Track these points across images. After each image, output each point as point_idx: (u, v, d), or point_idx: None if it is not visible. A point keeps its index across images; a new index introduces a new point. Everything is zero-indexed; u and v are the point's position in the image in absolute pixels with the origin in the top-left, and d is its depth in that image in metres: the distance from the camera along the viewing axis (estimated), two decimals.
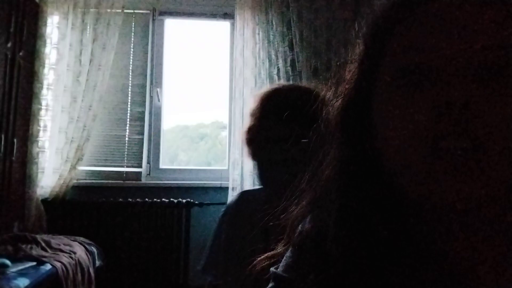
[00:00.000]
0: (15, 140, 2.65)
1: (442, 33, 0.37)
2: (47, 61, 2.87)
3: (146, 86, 3.11)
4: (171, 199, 2.84)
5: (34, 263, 2.05)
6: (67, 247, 2.32)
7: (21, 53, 2.70)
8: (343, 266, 0.41)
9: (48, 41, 2.88)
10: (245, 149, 1.00)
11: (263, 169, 0.96)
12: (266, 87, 0.99)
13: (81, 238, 2.53)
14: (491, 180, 0.36)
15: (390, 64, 0.40)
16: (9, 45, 2.58)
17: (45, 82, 2.86)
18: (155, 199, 2.85)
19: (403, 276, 0.40)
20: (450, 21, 0.37)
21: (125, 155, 3.05)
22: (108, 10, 2.93)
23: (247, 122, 0.99)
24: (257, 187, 1.11)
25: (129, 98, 3.10)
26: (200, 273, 1.08)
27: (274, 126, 0.91)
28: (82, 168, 2.94)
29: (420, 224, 0.42)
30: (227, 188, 2.81)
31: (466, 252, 0.40)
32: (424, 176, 0.37)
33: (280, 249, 0.54)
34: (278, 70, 2.98)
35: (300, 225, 0.51)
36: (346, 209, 0.43)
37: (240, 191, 1.12)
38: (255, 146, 0.97)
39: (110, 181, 2.98)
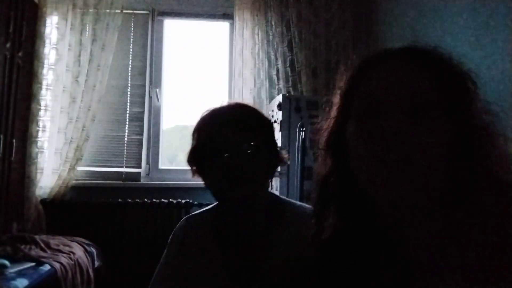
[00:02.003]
0: (14, 140, 2.65)
1: (384, 87, 0.57)
2: (46, 62, 2.87)
3: (145, 86, 3.11)
4: (170, 200, 2.84)
5: (33, 264, 2.04)
6: (66, 248, 2.32)
7: (20, 54, 2.70)
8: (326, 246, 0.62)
9: (47, 41, 2.88)
10: (191, 170, 1.02)
11: (211, 181, 0.97)
12: (206, 109, 1.02)
13: (80, 239, 2.53)
14: (417, 182, 0.52)
15: (355, 107, 0.60)
16: (8, 45, 2.57)
17: (44, 83, 2.86)
18: (154, 200, 2.85)
19: (364, 259, 0.58)
20: (389, 79, 0.57)
21: (124, 156, 3.05)
22: (107, 11, 2.93)
23: (189, 145, 1.01)
24: (201, 210, 1.11)
25: (128, 98, 3.10)
26: None
27: (213, 140, 0.93)
28: (81, 168, 2.94)
29: (378, 217, 0.59)
30: None
31: (409, 239, 0.56)
32: (373, 181, 0.55)
33: None
34: (278, 70, 2.98)
35: None
36: (325, 205, 0.65)
37: (185, 217, 1.12)
38: (200, 162, 0.98)
39: (109, 182, 2.98)
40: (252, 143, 0.92)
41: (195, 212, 1.12)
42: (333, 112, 0.66)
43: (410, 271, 0.54)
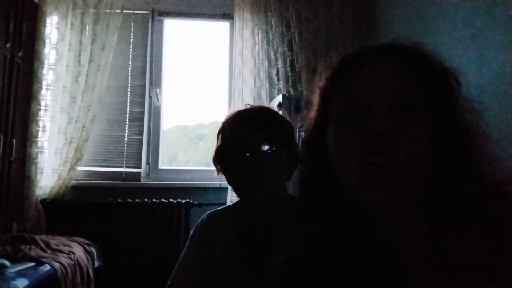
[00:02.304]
0: (14, 140, 2.65)
1: (365, 86, 0.55)
2: (46, 62, 2.87)
3: (145, 86, 3.11)
4: (170, 200, 2.84)
5: (33, 264, 2.04)
6: (66, 248, 2.32)
7: (20, 54, 2.70)
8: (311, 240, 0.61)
9: (47, 41, 2.88)
10: (216, 169, 1.09)
11: (235, 179, 1.02)
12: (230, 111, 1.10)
13: (80, 239, 2.53)
14: (401, 184, 0.51)
15: (335, 108, 0.58)
16: (8, 45, 2.58)
17: (44, 83, 2.86)
18: (154, 200, 2.85)
19: (349, 259, 0.56)
20: (369, 78, 0.55)
21: (124, 156, 3.05)
22: (107, 11, 2.93)
23: (214, 145, 1.09)
24: (223, 207, 1.17)
25: (128, 98, 3.10)
26: None
27: (237, 140, 1.00)
28: (81, 168, 2.94)
29: (363, 221, 0.58)
30: (226, 188, 2.81)
31: (395, 242, 0.55)
32: (356, 183, 0.53)
33: None
34: (277, 70, 2.98)
35: None
36: (307, 206, 0.63)
37: (207, 212, 1.17)
38: (224, 161, 1.05)
39: (109, 182, 2.98)
40: (272, 144, 0.99)
41: (217, 209, 1.17)
42: (313, 112, 0.64)
43: (399, 275, 0.53)
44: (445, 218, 0.51)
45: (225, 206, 1.16)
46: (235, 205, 1.13)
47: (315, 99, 0.65)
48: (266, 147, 0.98)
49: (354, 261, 0.56)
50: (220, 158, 1.06)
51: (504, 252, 0.47)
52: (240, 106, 1.09)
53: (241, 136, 0.99)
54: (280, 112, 1.13)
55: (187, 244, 1.13)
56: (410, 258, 0.54)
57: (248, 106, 1.08)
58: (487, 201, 0.50)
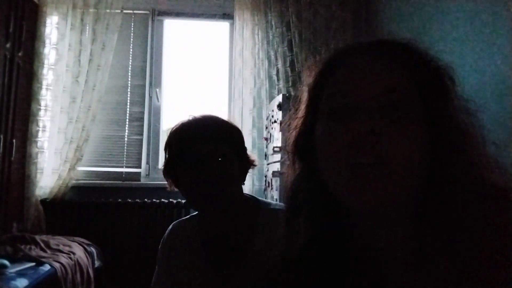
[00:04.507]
0: (14, 140, 2.65)
1: (355, 83, 0.53)
2: (46, 62, 2.87)
3: (145, 86, 3.12)
4: (170, 200, 2.84)
5: (33, 264, 2.05)
6: (66, 248, 2.32)
7: (20, 54, 2.70)
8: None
9: (47, 41, 2.88)
10: (168, 182, 1.07)
11: (189, 193, 1.01)
12: (176, 122, 1.08)
13: (80, 239, 2.53)
14: (393, 187, 0.48)
15: (324, 106, 0.55)
16: (8, 45, 2.58)
17: (44, 83, 2.86)
18: (154, 200, 2.85)
19: (338, 264, 0.54)
20: (360, 74, 0.53)
21: (124, 156, 3.05)
22: (107, 11, 2.93)
23: (164, 159, 1.07)
24: (187, 216, 1.17)
25: (128, 98, 3.10)
26: None
27: (185, 153, 0.99)
28: (81, 168, 2.94)
29: (351, 224, 0.56)
30: None
31: (384, 247, 0.52)
32: (345, 186, 0.50)
33: None
34: (277, 70, 2.98)
35: None
36: (295, 210, 0.60)
37: (173, 223, 1.19)
38: (174, 175, 1.04)
39: (109, 182, 2.98)
40: (221, 153, 0.98)
41: (182, 218, 1.19)
42: (301, 111, 0.61)
43: (386, 280, 0.51)
44: (433, 220, 0.49)
45: (190, 215, 1.16)
46: (198, 213, 1.12)
47: (304, 96, 0.61)
48: (215, 158, 0.96)
49: (335, 265, 0.54)
50: (170, 172, 1.04)
51: (494, 256, 0.45)
52: (185, 117, 1.07)
53: (189, 149, 0.98)
54: (227, 119, 1.11)
55: (157, 256, 1.14)
56: (392, 261, 0.52)
57: (192, 117, 1.05)
58: (480, 203, 0.48)
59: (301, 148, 0.60)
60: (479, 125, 0.53)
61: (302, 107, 0.61)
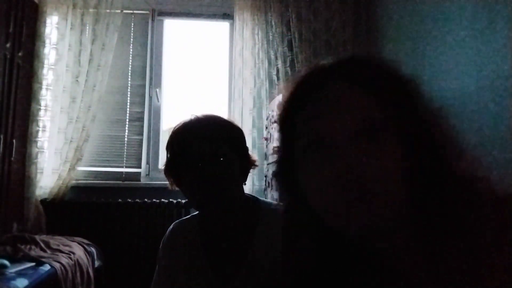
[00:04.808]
0: (14, 140, 2.65)
1: (325, 117, 0.52)
2: (46, 62, 2.87)
3: (145, 86, 3.12)
4: (170, 200, 2.84)
5: (33, 264, 2.04)
6: (66, 248, 2.32)
7: (20, 54, 2.70)
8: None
9: (47, 41, 2.88)
10: (169, 182, 1.09)
11: (190, 192, 1.02)
12: (178, 122, 1.08)
13: (80, 239, 2.53)
14: (381, 212, 0.49)
15: (298, 141, 0.55)
16: (8, 45, 2.58)
17: (44, 83, 2.86)
18: (154, 200, 2.85)
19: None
20: (329, 106, 0.52)
21: (124, 156, 3.05)
22: (107, 11, 2.93)
23: (165, 159, 1.08)
24: (188, 216, 1.18)
25: (128, 98, 3.10)
26: None
27: (186, 152, 0.99)
28: (81, 168, 2.94)
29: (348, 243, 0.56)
30: None
31: (382, 250, 0.53)
32: (333, 216, 0.51)
33: None
34: (277, 70, 2.98)
35: None
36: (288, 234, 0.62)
37: (173, 223, 1.20)
38: (176, 175, 1.05)
39: (109, 182, 2.98)
40: (222, 153, 0.98)
41: (183, 218, 1.19)
42: (277, 141, 0.61)
43: (390, 280, 0.53)
44: (428, 226, 0.50)
45: (191, 215, 1.16)
46: (199, 213, 1.13)
47: (276, 126, 0.63)
48: (216, 158, 0.97)
49: (341, 271, 0.55)
50: (172, 171, 1.06)
51: (479, 253, 0.46)
52: (187, 116, 1.07)
53: (191, 149, 0.98)
54: (228, 118, 1.12)
55: (158, 256, 1.15)
56: (398, 265, 0.53)
57: (194, 117, 1.06)
58: (465, 203, 0.49)
59: (285, 180, 0.60)
60: (454, 129, 0.54)
61: (276, 137, 0.62)
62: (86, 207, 2.81)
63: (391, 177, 0.49)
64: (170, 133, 1.07)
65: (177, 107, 3.34)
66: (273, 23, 3.00)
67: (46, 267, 2.03)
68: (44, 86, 2.86)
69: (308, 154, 0.53)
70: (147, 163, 3.07)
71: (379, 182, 0.49)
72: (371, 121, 0.50)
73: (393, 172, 0.49)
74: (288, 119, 0.58)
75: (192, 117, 1.06)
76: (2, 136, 2.52)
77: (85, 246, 2.46)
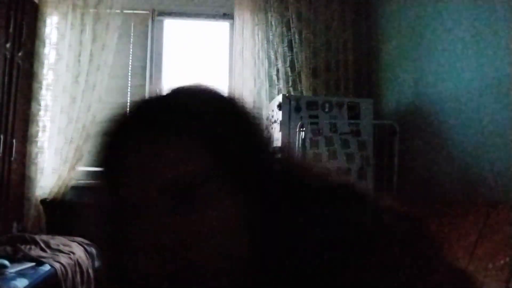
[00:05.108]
0: (14, 140, 2.65)
1: (133, 179, 0.43)
2: (46, 62, 2.87)
3: (145, 86, 3.11)
4: None
5: (33, 264, 2.05)
6: (66, 248, 2.32)
7: (20, 54, 2.70)
8: None
9: (47, 41, 2.88)
10: None
11: None
12: None
13: (80, 239, 2.53)
14: (217, 275, 0.41)
15: (112, 205, 0.46)
16: (8, 45, 2.57)
17: (44, 83, 2.86)
18: None
19: None
20: (135, 169, 0.43)
21: None
22: (107, 11, 2.93)
23: None
24: None
25: (128, 98, 3.09)
26: None
27: None
28: (81, 168, 2.93)
29: None
30: None
31: None
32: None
33: None
34: (278, 70, 2.98)
35: None
36: None
37: None
38: None
39: None
40: None
41: None
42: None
43: None
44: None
45: None
46: None
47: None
48: None
49: None
50: None
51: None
52: None
53: None
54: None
55: None
56: None
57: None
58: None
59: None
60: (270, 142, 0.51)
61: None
62: (86, 207, 2.81)
63: (222, 234, 0.41)
64: None
65: None
66: (273, 23, 3.01)
67: (46, 267, 2.03)
68: (44, 86, 2.86)
69: (123, 221, 0.44)
70: None
71: (207, 247, 0.41)
72: (192, 175, 0.42)
73: (224, 234, 0.41)
74: (101, 185, 0.49)
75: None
76: (2, 136, 2.52)
77: (85, 246, 2.46)
